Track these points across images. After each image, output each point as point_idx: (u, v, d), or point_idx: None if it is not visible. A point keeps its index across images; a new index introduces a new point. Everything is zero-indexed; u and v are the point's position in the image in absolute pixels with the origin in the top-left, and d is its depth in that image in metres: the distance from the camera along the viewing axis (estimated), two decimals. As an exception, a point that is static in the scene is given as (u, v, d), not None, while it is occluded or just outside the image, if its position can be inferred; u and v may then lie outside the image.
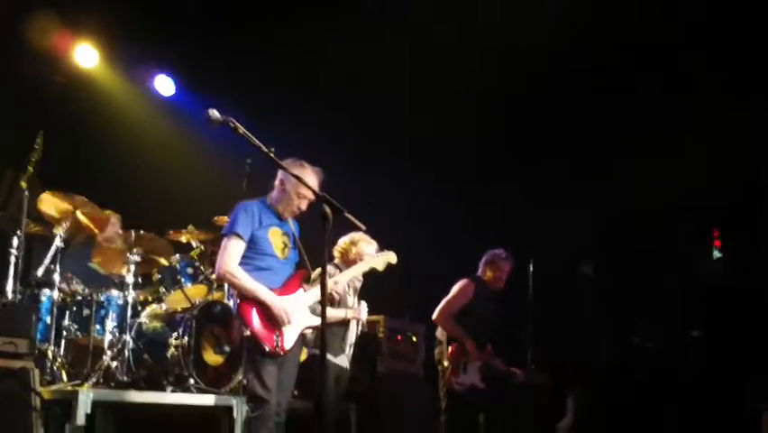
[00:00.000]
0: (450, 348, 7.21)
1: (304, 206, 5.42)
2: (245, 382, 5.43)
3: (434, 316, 7.33)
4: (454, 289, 7.36)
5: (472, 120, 9.05)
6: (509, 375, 7.38)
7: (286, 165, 5.06)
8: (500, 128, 9.10)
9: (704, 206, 8.40)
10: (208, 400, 6.44)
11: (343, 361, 6.34)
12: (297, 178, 4.95)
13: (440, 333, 7.36)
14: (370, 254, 6.26)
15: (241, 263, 5.30)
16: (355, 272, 6.09)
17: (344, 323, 6.30)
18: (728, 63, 8.09)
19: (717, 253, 8.41)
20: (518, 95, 8.66)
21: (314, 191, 4.91)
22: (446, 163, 9.39)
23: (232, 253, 5.28)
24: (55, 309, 6.59)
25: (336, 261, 6.41)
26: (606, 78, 8.57)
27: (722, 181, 8.11)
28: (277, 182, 5.49)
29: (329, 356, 6.09)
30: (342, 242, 6.44)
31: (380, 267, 6.14)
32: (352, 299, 6.40)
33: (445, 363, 7.18)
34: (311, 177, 5.27)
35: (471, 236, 8.10)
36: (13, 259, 6.48)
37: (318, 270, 5.74)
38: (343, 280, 5.97)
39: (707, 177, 8.05)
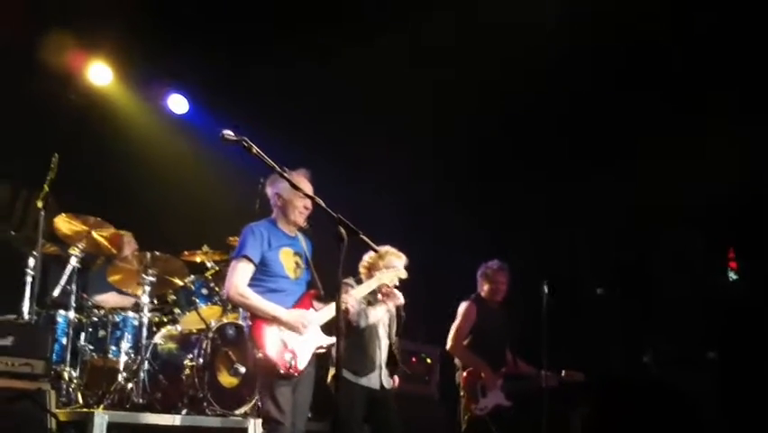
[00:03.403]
0: (464, 375, 7.12)
1: (309, 204, 5.35)
2: (260, 404, 5.42)
3: (448, 346, 7.27)
4: (458, 313, 7.29)
5: (489, 131, 9.03)
6: (537, 381, 7.09)
7: (274, 178, 5.26)
8: (514, 139, 9.08)
9: (719, 220, 8.35)
10: (223, 422, 6.45)
11: (375, 381, 6.11)
12: (295, 186, 4.88)
13: (457, 359, 7.31)
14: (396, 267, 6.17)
15: (253, 286, 5.30)
16: (367, 289, 6.00)
17: (371, 339, 6.16)
18: (741, 71, 8.07)
19: (732, 275, 8.36)
20: (523, 99, 8.63)
21: (329, 211, 4.85)
22: (454, 172, 9.38)
23: (240, 274, 5.29)
24: (71, 330, 6.62)
25: (362, 276, 6.27)
26: (614, 81, 8.51)
27: (736, 191, 8.06)
28: (273, 199, 5.50)
29: (356, 377, 6.03)
30: (368, 256, 6.27)
31: (390, 283, 6.10)
32: (383, 332, 6.29)
33: (462, 393, 7.11)
34: (302, 181, 5.23)
35: (484, 255, 8.04)
36: (29, 279, 6.50)
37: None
38: (358, 296, 5.90)
39: (721, 188, 8.00)
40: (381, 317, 6.20)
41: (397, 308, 6.27)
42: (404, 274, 6.16)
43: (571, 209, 8.90)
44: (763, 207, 8.28)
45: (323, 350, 5.44)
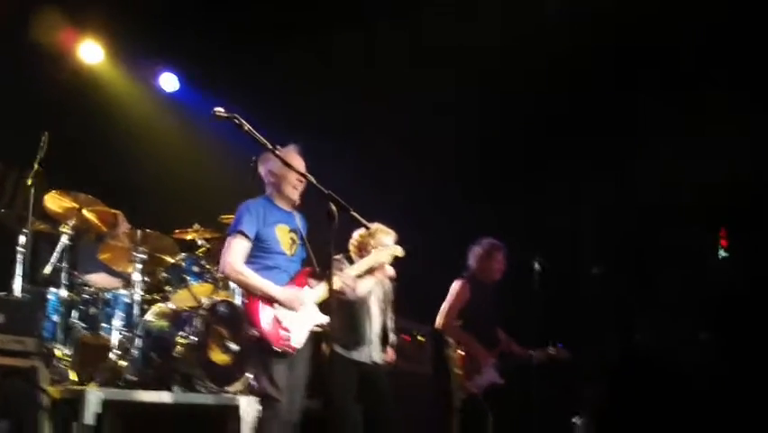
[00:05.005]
0: (460, 352, 7.12)
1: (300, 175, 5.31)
2: (255, 382, 5.41)
3: (438, 324, 7.27)
4: (451, 292, 7.28)
5: (474, 119, 9.01)
6: (529, 359, 7.23)
7: (265, 156, 5.25)
8: (505, 127, 9.06)
9: (712, 203, 8.36)
10: (215, 399, 6.45)
11: (365, 355, 6.18)
12: (286, 164, 4.91)
13: (448, 337, 7.30)
14: (388, 245, 6.17)
15: (249, 263, 5.26)
16: (363, 266, 5.98)
17: (362, 313, 6.18)
18: (731, 61, 8.05)
19: (723, 253, 8.36)
20: (519, 94, 8.62)
21: (319, 188, 4.83)
22: (449, 162, 9.36)
23: (236, 251, 5.25)
24: (62, 308, 6.59)
25: (352, 254, 6.29)
26: (609, 76, 8.53)
27: (730, 179, 8.07)
28: (266, 177, 5.48)
29: (347, 352, 6.05)
30: (358, 234, 6.30)
31: (386, 261, 6.10)
32: (376, 307, 6.31)
33: (457, 371, 7.12)
34: (293, 157, 5.23)
35: (476, 236, 8.03)
36: (20, 257, 6.48)
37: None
38: (353, 274, 5.88)
39: (714, 175, 8.02)
40: (374, 292, 6.19)
41: (390, 280, 6.27)
42: (400, 252, 6.15)
43: (570, 206, 8.91)
44: (758, 194, 8.29)
45: (319, 328, 5.40)
